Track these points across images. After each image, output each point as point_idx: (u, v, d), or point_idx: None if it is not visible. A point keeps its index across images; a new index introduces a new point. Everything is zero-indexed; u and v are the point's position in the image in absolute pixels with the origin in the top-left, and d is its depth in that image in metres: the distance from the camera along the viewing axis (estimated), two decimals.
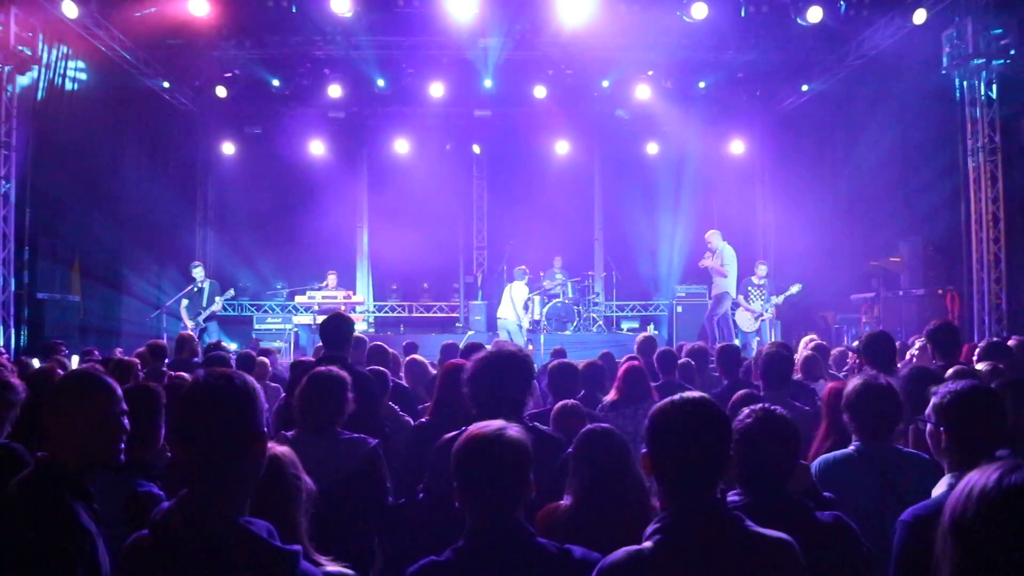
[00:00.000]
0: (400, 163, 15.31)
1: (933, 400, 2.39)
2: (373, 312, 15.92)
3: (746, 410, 2.36)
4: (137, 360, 5.74)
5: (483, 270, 16.36)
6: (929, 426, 2.39)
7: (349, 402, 3.32)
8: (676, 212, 15.49)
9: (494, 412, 2.45)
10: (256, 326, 13.82)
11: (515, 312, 12.43)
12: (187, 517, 1.74)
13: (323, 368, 3.39)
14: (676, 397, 1.96)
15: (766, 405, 2.36)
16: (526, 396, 2.97)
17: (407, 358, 6.66)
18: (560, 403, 4.00)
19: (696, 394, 1.98)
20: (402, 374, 6.68)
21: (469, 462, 2.01)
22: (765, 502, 2.19)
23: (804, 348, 6.86)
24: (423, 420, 3.91)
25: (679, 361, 6.34)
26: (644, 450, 1.96)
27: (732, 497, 2.26)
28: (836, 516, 2.28)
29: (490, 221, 16.68)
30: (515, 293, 12.56)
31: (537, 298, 13.14)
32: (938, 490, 2.29)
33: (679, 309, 13.85)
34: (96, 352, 7.76)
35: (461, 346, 6.59)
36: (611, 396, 5.06)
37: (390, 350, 6.27)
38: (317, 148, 15.06)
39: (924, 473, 2.71)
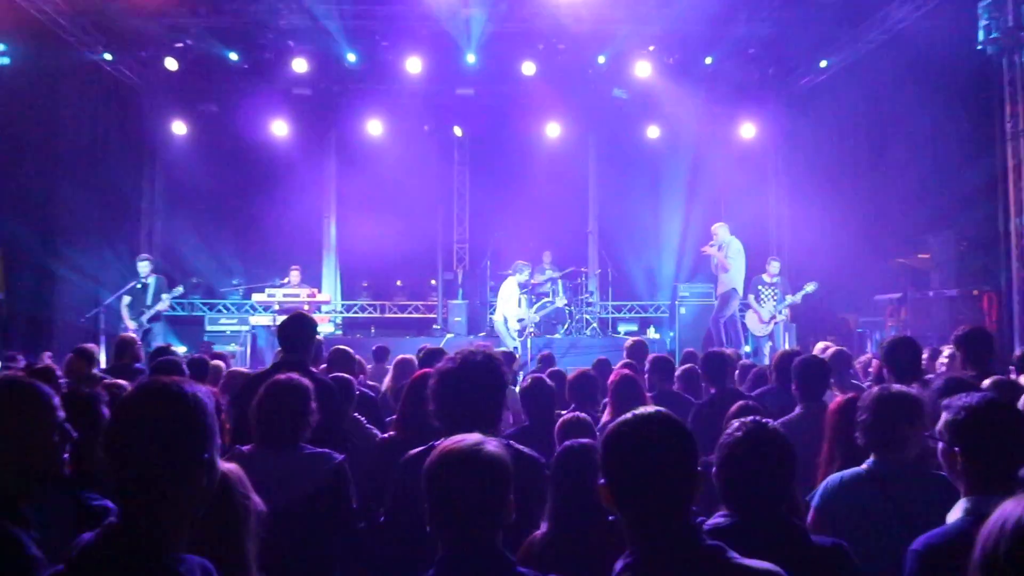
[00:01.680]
0: (373, 146, 15.34)
1: (945, 416, 2.39)
2: (341, 312, 15.96)
3: (736, 423, 2.37)
4: (63, 366, 5.64)
5: (464, 266, 16.40)
6: (941, 445, 2.40)
7: (313, 413, 3.33)
8: (680, 203, 15.57)
9: (462, 427, 2.42)
10: (208, 327, 13.79)
11: (502, 312, 12.54)
12: (108, 554, 1.65)
13: (283, 375, 3.39)
14: (628, 415, 1.96)
15: (757, 418, 2.38)
16: (498, 410, 2.94)
17: (397, 358, 6.65)
18: (571, 414, 3.96)
19: (650, 409, 1.98)
20: (371, 381, 6.70)
21: (442, 480, 2.00)
22: (754, 525, 2.20)
23: (820, 355, 6.84)
24: (388, 435, 3.93)
25: (681, 369, 6.31)
26: (601, 480, 1.93)
27: (717, 518, 2.28)
28: (836, 543, 2.29)
29: (472, 212, 16.75)
30: (503, 290, 12.66)
31: (524, 298, 13.13)
32: (952, 516, 2.31)
33: (682, 310, 13.95)
34: (20, 358, 7.67)
35: (418, 357, 6.58)
36: (606, 416, 5.10)
37: (356, 356, 6.29)
38: (280, 129, 15.01)
39: (946, 496, 2.71)
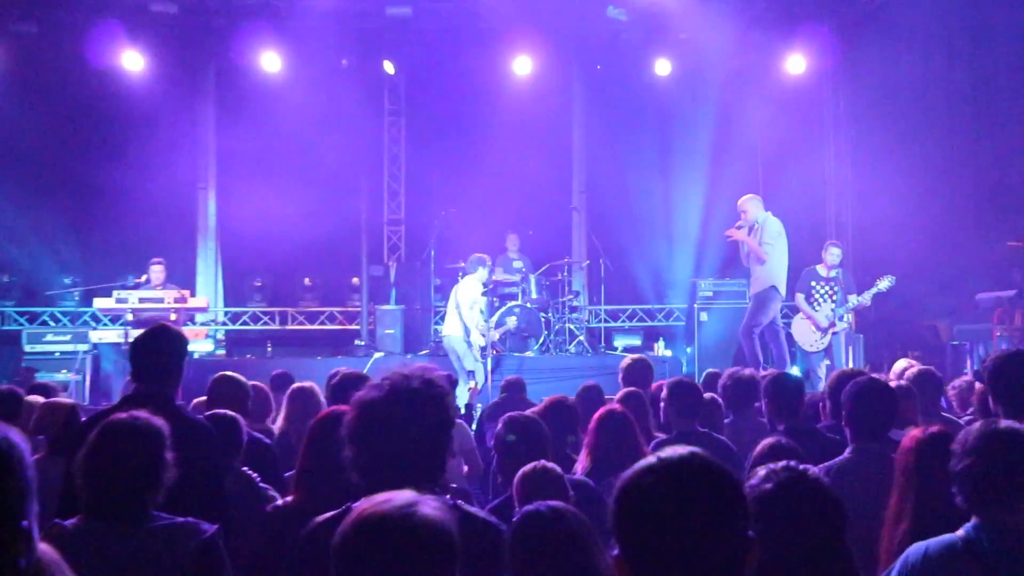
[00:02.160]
0: (268, 88, 15.34)
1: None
2: (223, 325, 16.05)
3: (763, 471, 2.44)
4: None
5: (399, 257, 16.54)
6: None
7: (167, 467, 3.31)
8: (700, 167, 15.67)
9: (389, 482, 2.45)
10: (28, 347, 13.66)
11: (460, 322, 12.68)
12: None
13: (123, 415, 3.35)
14: (652, 460, 1.98)
15: (792, 464, 2.44)
16: (440, 457, 2.96)
17: (292, 387, 6.67)
18: (531, 465, 4.03)
19: (683, 451, 2.00)
20: (272, 421, 6.68)
21: (359, 558, 2.00)
22: None
23: (897, 377, 6.87)
24: (284, 501, 3.94)
25: (704, 398, 6.38)
26: (614, 551, 1.95)
27: None
28: None
29: (410, 181, 16.89)
30: (461, 294, 12.83)
31: (483, 300, 13.29)
32: None
33: (703, 317, 14.09)
34: None
35: (329, 386, 6.55)
36: (581, 463, 5.24)
37: (247, 382, 6.25)
38: (133, 62, 14.83)
39: None
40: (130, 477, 3.25)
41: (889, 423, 4.74)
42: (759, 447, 3.99)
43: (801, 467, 2.45)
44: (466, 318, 12.63)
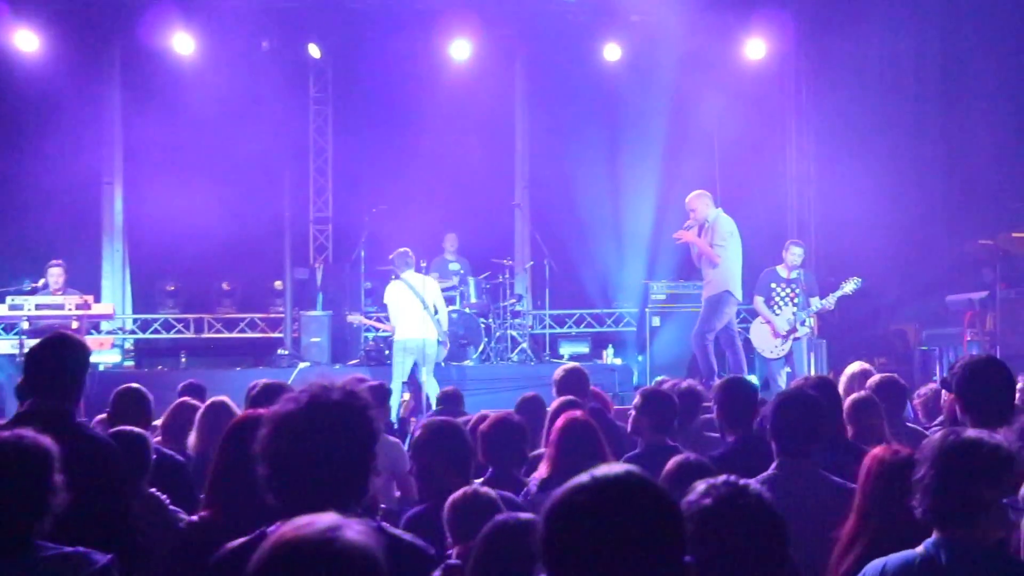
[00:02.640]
0: (180, 73, 15.25)
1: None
2: (131, 333, 15.96)
3: (701, 485, 2.50)
4: None
5: (326, 257, 16.59)
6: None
7: (57, 492, 3.26)
8: (652, 160, 15.75)
9: (309, 504, 2.44)
10: None
11: (437, 323, 12.66)
12: None
13: (7, 434, 3.33)
14: (586, 478, 2.00)
15: (731, 478, 2.50)
16: (364, 476, 2.97)
17: (206, 403, 6.63)
18: (461, 491, 4.08)
19: (616, 469, 2.02)
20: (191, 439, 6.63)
21: None
22: None
23: (853, 382, 7.12)
24: (194, 518, 3.90)
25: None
26: None
27: None
28: None
29: (338, 174, 16.91)
30: (435, 289, 12.91)
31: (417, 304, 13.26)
32: None
33: (656, 323, 14.28)
34: None
35: (248, 399, 6.55)
36: (541, 471, 5.26)
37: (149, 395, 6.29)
38: (26, 42, 14.70)
39: None
40: (11, 504, 3.20)
41: (813, 437, 4.75)
42: (668, 465, 4.02)
43: (741, 481, 2.50)
44: (443, 317, 12.77)
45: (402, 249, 12.96)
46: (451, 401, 8.64)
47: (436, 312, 12.63)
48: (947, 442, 3.10)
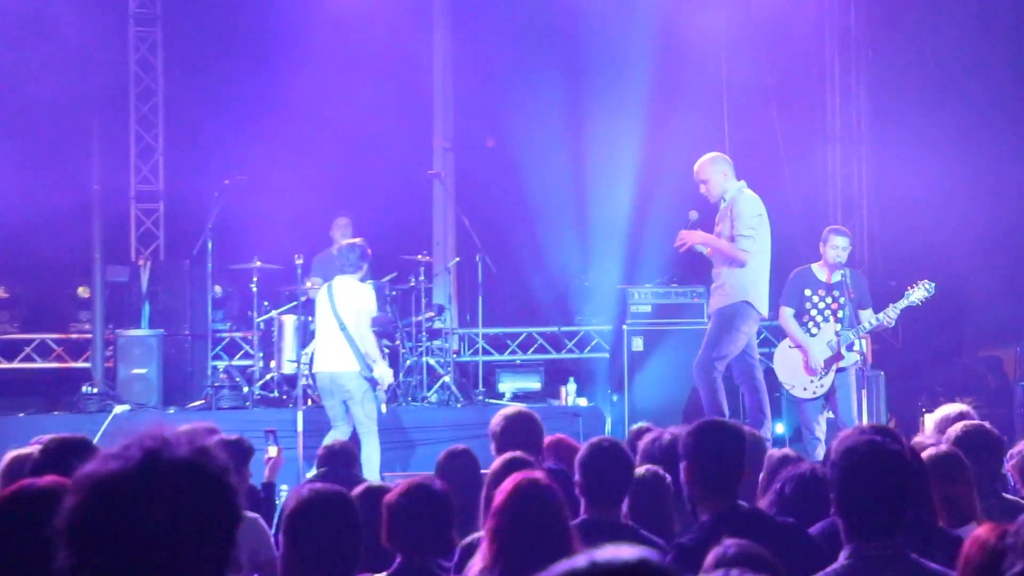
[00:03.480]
0: None
1: None
2: None
3: (720, 573, 3.01)
4: None
5: (155, 251, 16.42)
6: None
7: None
8: (630, 115, 15.97)
9: None
10: None
11: (355, 350, 12.68)
12: None
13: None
14: (582, 562, 2.12)
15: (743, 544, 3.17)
16: (219, 571, 2.88)
17: None
18: None
19: (628, 554, 2.13)
20: None
21: None
22: None
23: (936, 433, 7.33)
24: None
25: (637, 473, 6.60)
26: None
27: None
28: None
29: (171, 129, 16.67)
30: (351, 300, 12.84)
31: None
32: None
33: (638, 345, 14.32)
34: None
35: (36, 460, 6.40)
36: (476, 563, 5.34)
37: None
38: None
39: None
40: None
41: (902, 509, 4.85)
42: (712, 554, 4.21)
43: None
44: (366, 340, 12.66)
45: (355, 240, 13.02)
46: (338, 459, 8.77)
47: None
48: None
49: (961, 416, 7.38)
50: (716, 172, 12.07)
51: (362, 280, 12.86)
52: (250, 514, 7.03)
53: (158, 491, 2.80)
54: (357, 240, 13.04)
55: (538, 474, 5.63)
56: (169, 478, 2.82)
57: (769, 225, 12.01)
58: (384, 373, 12.73)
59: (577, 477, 6.32)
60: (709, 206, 12.22)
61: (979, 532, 3.79)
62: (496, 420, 7.64)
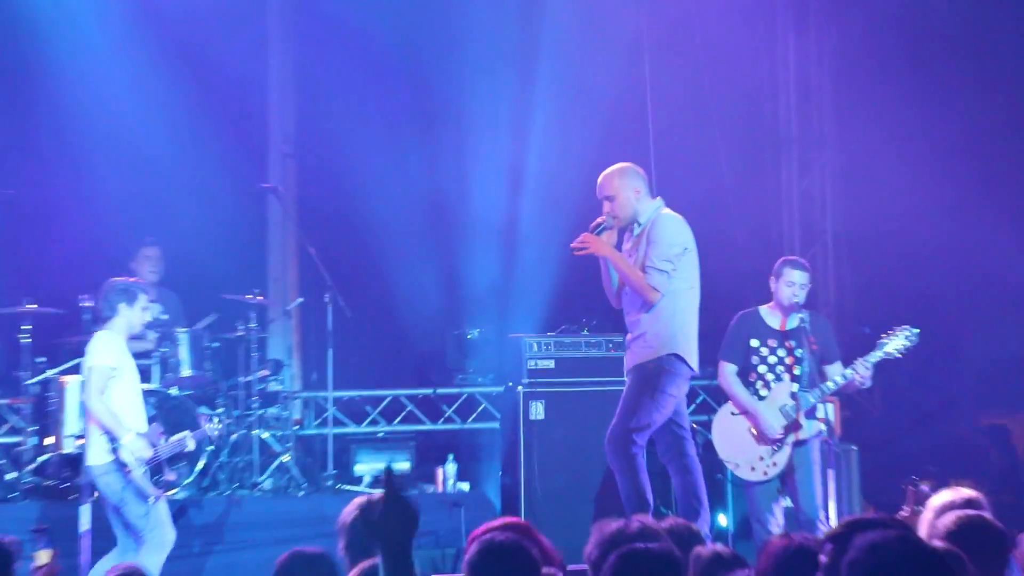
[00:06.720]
0: None
1: None
2: None
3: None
4: None
5: None
6: None
7: None
8: (523, 102, 15.62)
9: None
10: None
11: (99, 433, 11.36)
12: None
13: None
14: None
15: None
16: None
17: None
18: None
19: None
20: None
21: None
22: None
23: (938, 520, 6.86)
24: None
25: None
26: None
27: None
28: None
29: None
30: (88, 368, 11.49)
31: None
32: None
33: (538, 411, 13.33)
34: None
35: None
36: None
37: None
38: None
39: None
40: None
41: None
42: None
43: None
44: (101, 414, 11.21)
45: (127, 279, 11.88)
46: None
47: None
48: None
49: (969, 504, 7.08)
50: (626, 188, 11.27)
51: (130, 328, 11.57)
52: None
53: None
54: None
55: (498, 533, 5.65)
56: None
57: (695, 251, 11.29)
58: (132, 447, 11.23)
59: None
60: None
61: None
62: (349, 511, 6.88)
